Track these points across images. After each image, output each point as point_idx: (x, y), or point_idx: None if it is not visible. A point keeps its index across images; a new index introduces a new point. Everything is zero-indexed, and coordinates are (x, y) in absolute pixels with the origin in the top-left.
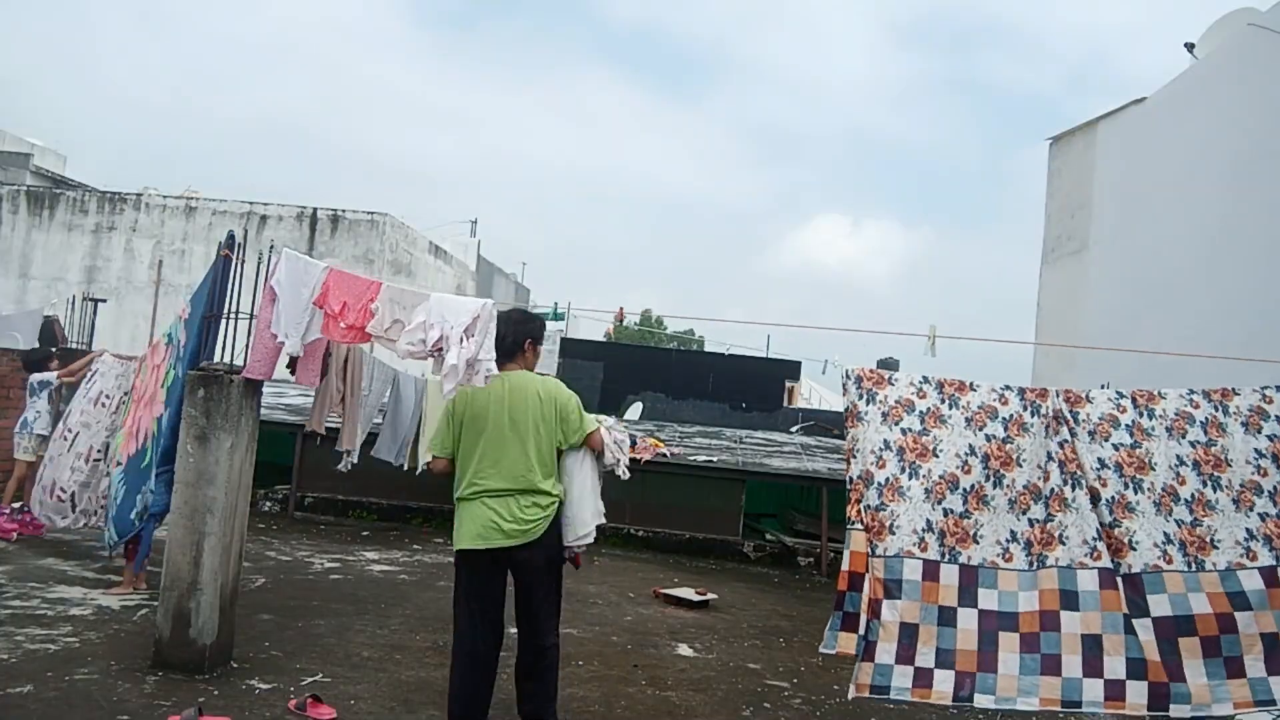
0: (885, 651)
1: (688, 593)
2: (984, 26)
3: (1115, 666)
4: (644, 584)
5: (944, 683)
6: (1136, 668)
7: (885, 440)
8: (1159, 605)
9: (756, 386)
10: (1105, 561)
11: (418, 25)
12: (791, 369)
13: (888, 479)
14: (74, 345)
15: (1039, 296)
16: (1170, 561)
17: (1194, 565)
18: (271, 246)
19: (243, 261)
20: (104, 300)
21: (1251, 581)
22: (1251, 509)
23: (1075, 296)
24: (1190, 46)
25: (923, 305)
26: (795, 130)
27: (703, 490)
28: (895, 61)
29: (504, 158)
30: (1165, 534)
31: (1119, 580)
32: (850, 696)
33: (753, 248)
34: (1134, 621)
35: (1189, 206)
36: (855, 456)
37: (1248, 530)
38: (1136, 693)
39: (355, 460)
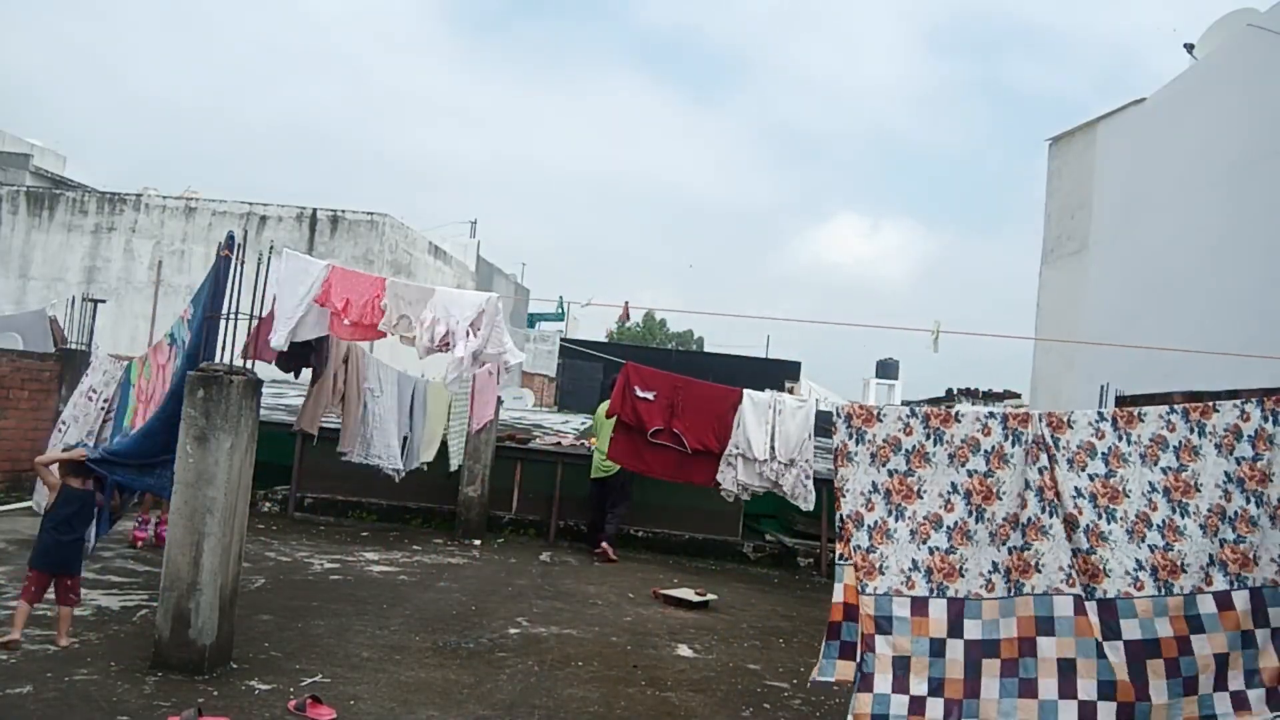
0: (882, 682)
1: (687, 593)
2: (1012, 31)
3: (1088, 688)
4: (644, 584)
5: (935, 709)
6: (1107, 689)
7: (873, 483)
8: (1130, 629)
9: (756, 386)
10: (1078, 588)
11: (453, 29)
12: (791, 369)
13: (876, 522)
14: (73, 346)
15: (1039, 297)
16: (1141, 588)
17: (1163, 590)
18: (271, 247)
19: (242, 262)
20: (104, 301)
21: (1206, 606)
22: (1216, 534)
23: (1075, 297)
24: (1190, 47)
25: (938, 306)
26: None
27: (703, 490)
28: (924, 65)
29: (517, 158)
30: (1137, 560)
31: (1089, 606)
32: None
33: (769, 249)
34: (1105, 644)
35: (1189, 206)
36: (845, 496)
37: (1209, 555)
38: (1106, 713)
39: (354, 460)
